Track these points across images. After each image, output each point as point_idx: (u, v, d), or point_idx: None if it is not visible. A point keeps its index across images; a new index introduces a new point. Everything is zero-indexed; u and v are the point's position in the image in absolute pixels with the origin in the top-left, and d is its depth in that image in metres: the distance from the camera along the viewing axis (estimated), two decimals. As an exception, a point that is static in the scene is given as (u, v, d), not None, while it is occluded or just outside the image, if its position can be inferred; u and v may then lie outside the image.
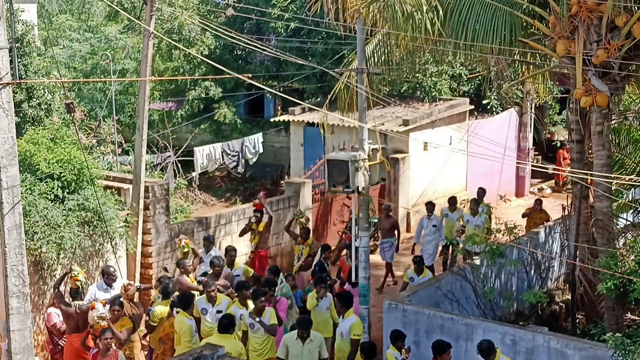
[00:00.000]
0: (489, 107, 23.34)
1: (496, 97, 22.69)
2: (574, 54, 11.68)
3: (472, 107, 23.00)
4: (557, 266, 15.27)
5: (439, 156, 21.39)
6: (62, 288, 12.23)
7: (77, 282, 12.23)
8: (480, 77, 22.38)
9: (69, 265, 12.72)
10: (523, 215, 17.49)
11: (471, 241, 13.66)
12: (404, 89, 22.63)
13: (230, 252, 14.01)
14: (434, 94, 22.69)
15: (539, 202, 17.73)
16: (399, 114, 21.50)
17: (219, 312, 11.65)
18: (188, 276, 13.29)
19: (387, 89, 19.95)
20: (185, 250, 14.18)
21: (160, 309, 11.89)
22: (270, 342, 11.40)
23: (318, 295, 12.41)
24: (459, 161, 22.28)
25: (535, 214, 17.40)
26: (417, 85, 22.71)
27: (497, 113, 23.55)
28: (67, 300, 12.09)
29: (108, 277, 12.73)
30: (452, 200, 17.24)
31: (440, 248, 16.71)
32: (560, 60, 12.19)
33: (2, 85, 8.82)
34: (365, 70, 12.80)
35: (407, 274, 14.00)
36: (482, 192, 17.68)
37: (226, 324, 10.59)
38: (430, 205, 16.89)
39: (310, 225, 17.21)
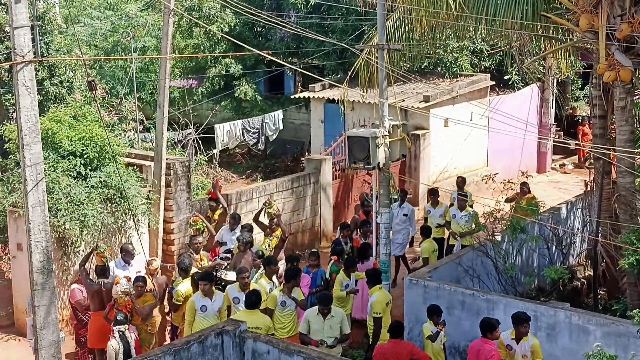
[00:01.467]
0: (510, 82, 23.16)
1: (518, 73, 22.47)
2: (597, 29, 11.55)
3: (494, 83, 22.82)
4: (578, 242, 15.20)
5: (460, 132, 21.28)
6: (87, 266, 12.33)
7: (103, 260, 12.35)
8: (501, 52, 22.19)
9: (95, 243, 12.79)
10: (507, 200, 15.37)
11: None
12: (424, 65, 22.47)
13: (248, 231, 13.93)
14: (454, 69, 22.52)
15: (525, 184, 15.76)
16: (420, 90, 21.39)
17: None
18: (198, 254, 13.09)
19: (408, 65, 19.84)
20: (198, 227, 13.89)
21: (184, 287, 11.92)
22: (296, 318, 11.48)
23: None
24: (480, 137, 22.17)
25: (521, 198, 15.41)
26: (438, 61, 22.55)
27: (519, 89, 23.38)
28: (92, 278, 12.20)
29: (126, 254, 12.76)
30: (434, 194, 16.01)
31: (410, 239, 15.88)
32: (583, 35, 12.06)
33: (24, 63, 8.89)
34: (385, 46, 12.75)
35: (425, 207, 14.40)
36: (462, 181, 16.56)
37: (254, 301, 10.65)
38: (402, 193, 16.13)
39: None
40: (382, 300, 11.46)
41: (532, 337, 9.96)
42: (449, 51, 22.25)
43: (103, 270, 12.15)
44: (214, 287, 11.45)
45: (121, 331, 10.76)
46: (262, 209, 14.74)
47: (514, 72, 22.60)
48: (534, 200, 15.15)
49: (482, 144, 22.69)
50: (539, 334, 10.51)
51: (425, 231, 14.86)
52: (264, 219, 14.60)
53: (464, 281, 12.56)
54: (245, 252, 12.96)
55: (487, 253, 12.75)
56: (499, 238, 13.06)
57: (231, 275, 12.25)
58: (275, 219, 14.03)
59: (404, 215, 15.67)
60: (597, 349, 7.80)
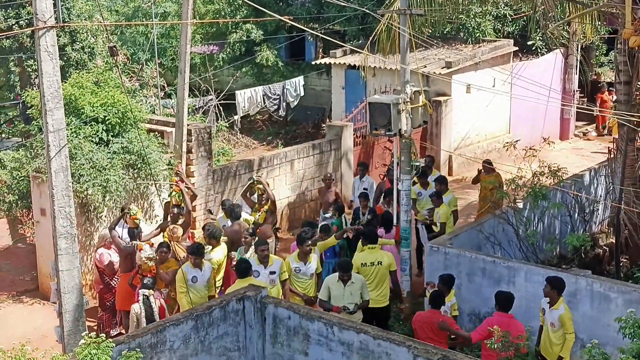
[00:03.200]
0: (533, 48, 22.88)
1: (541, 38, 22.22)
2: (624, -7, 11.35)
3: (517, 48, 22.57)
4: (601, 209, 15.11)
5: (482, 99, 21.12)
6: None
7: (135, 221, 12.43)
8: (525, 17, 21.91)
9: (127, 205, 12.85)
10: (473, 181, 15.26)
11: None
12: (446, 30, 22.25)
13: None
14: (477, 35, 22.27)
15: (487, 162, 15.24)
16: (442, 56, 21.21)
17: (272, 273, 11.17)
18: (174, 224, 12.66)
19: (430, 31, 19.64)
20: (176, 195, 13.23)
21: (218, 255, 11.95)
22: (312, 285, 11.52)
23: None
24: (502, 104, 21.99)
25: (484, 177, 15.16)
26: (460, 27, 22.30)
27: (542, 54, 23.10)
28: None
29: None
30: (423, 176, 14.81)
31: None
32: (609, -1, 11.87)
33: (46, 29, 8.88)
34: (407, 11, 12.61)
35: (414, 190, 13.92)
36: (431, 161, 15.96)
37: (244, 268, 10.66)
38: (362, 167, 15.74)
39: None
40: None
41: (562, 307, 9.65)
42: (472, 16, 21.98)
43: (136, 232, 12.24)
44: (203, 259, 11.38)
45: (145, 295, 10.85)
46: (250, 183, 14.36)
47: (537, 38, 22.33)
48: (498, 179, 14.84)
49: (505, 110, 22.52)
50: (560, 301, 10.50)
51: (438, 195, 14.22)
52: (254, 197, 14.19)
53: (485, 248, 12.54)
54: (235, 224, 12.88)
55: (509, 220, 12.70)
56: (520, 205, 13.00)
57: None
58: (264, 194, 13.76)
59: (364, 189, 15.28)
60: (631, 315, 7.60)
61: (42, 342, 11.54)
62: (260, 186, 13.91)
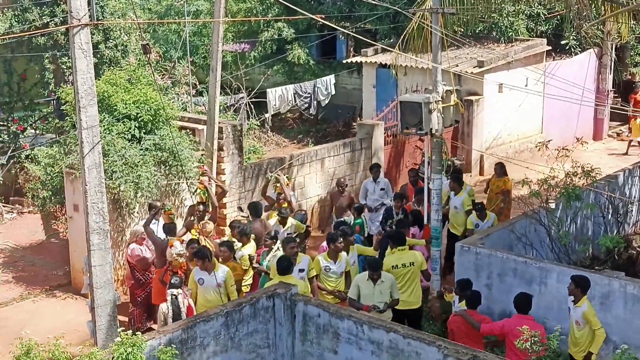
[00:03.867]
0: (567, 47, 22.65)
1: (575, 38, 21.99)
2: (660, -9, 11.20)
3: (550, 48, 22.37)
4: (635, 211, 14.93)
5: (515, 98, 20.96)
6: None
7: (170, 217, 12.49)
8: (559, 16, 21.73)
9: (160, 202, 12.91)
10: (485, 191, 15.19)
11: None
12: (479, 29, 22.10)
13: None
14: (510, 34, 22.09)
15: (500, 165, 15.15)
16: (474, 55, 21.07)
17: (301, 270, 11.14)
18: (200, 222, 12.77)
19: (462, 30, 19.53)
20: (201, 193, 13.36)
21: (248, 251, 11.96)
22: (342, 283, 11.51)
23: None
24: (534, 104, 21.81)
25: (495, 180, 15.02)
26: (493, 26, 22.14)
27: (576, 54, 22.86)
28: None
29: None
30: (457, 180, 14.45)
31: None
32: (645, -2, 11.71)
33: (80, 27, 8.96)
34: (440, 10, 12.56)
35: (471, 220, 13.72)
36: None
37: (285, 265, 10.66)
38: (375, 168, 15.51)
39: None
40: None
41: (585, 304, 9.64)
42: (505, 15, 21.81)
43: (171, 228, 12.31)
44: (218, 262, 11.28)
45: (174, 295, 10.89)
46: (268, 181, 14.32)
47: (571, 37, 22.11)
48: (506, 185, 14.79)
49: (537, 110, 22.33)
50: (593, 302, 10.37)
51: (459, 182, 14.13)
52: (272, 193, 14.12)
53: (517, 248, 12.45)
54: (257, 221, 12.90)
55: (541, 220, 12.60)
56: (553, 205, 12.88)
57: None
58: (283, 194, 13.65)
59: (381, 189, 15.19)
60: None
61: (74, 336, 11.68)
62: (279, 184, 13.90)
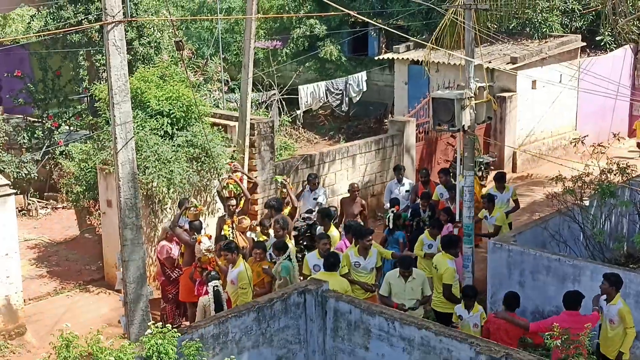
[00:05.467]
0: (602, 44, 22.38)
1: (610, 34, 21.71)
2: (698, -14, 11.01)
3: (585, 44, 22.12)
4: (671, 209, 14.70)
5: (548, 95, 20.76)
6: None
7: (196, 215, 12.57)
8: (594, 12, 21.46)
9: (187, 200, 13.01)
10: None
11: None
12: (512, 25, 21.91)
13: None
14: (544, 30, 21.88)
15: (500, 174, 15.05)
16: (507, 51, 20.91)
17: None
18: (231, 217, 12.83)
19: (495, 26, 19.37)
20: (231, 189, 13.35)
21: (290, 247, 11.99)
22: (372, 279, 11.49)
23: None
24: (569, 100, 21.59)
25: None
26: (527, 22, 21.95)
27: (611, 50, 22.57)
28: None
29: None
30: (501, 179, 14.74)
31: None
32: (683, -7, 11.52)
33: (114, 24, 9.03)
34: (473, 6, 12.46)
35: (482, 212, 13.76)
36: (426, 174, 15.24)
37: (332, 262, 10.70)
38: (399, 170, 15.29)
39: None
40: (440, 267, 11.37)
41: (620, 302, 9.54)
42: (539, 11, 21.60)
43: (197, 226, 12.37)
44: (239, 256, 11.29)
45: (216, 286, 10.93)
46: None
47: (606, 33, 21.82)
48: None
49: (571, 106, 22.11)
50: (627, 300, 10.24)
51: (490, 197, 14.04)
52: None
53: (550, 246, 12.34)
54: (278, 215, 12.80)
55: (575, 218, 12.46)
56: (587, 203, 12.74)
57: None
58: (287, 198, 13.58)
59: (407, 192, 15.04)
60: None
61: (108, 330, 11.76)
62: (285, 190, 13.84)
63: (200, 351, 7.16)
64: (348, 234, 12.16)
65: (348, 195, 14.66)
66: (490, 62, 19.69)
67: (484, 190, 15.72)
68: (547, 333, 8.66)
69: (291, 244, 12.23)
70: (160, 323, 7.47)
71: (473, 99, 12.25)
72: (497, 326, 9.84)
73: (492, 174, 15.90)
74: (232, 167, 14.01)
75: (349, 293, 10.56)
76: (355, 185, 14.72)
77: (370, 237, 11.52)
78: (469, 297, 10.47)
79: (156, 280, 13.52)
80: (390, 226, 13.17)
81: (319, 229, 12.84)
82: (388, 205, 14.57)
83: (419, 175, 15.29)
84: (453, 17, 14.01)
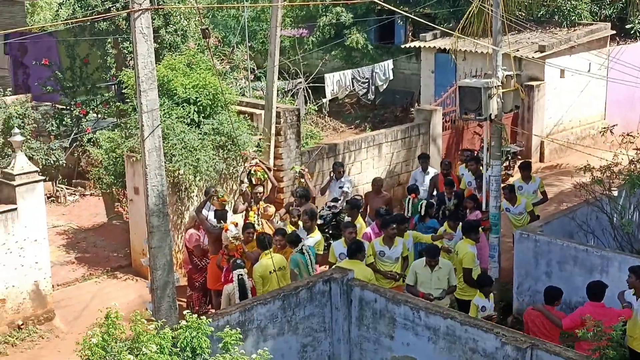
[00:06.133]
0: (632, 32, 22.09)
1: (641, 22, 21.46)
2: None
3: (614, 32, 21.84)
4: (701, 199, 14.51)
5: (577, 84, 20.55)
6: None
7: (222, 203, 12.60)
8: (624, 0, 21.20)
9: (213, 189, 13.06)
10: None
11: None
12: (540, 13, 21.70)
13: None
14: (573, 18, 21.63)
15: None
16: (535, 39, 20.71)
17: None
18: (258, 204, 12.92)
19: (523, 14, 19.19)
20: (259, 176, 13.50)
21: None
22: (398, 269, 11.47)
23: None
24: (597, 89, 21.36)
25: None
26: (555, 10, 21.72)
27: (641, 38, 22.32)
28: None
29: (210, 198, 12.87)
30: (526, 168, 14.47)
31: None
32: None
33: (141, 11, 9.05)
34: (501, -7, 12.35)
35: (514, 184, 13.68)
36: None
37: (354, 249, 10.68)
38: (424, 159, 15.20)
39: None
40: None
41: None
42: (568, -1, 21.41)
43: (223, 214, 12.41)
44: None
45: (241, 275, 10.98)
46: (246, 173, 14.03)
47: (636, 21, 21.55)
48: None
49: (600, 95, 21.87)
50: (657, 293, 10.15)
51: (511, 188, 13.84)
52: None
53: (577, 236, 12.24)
54: (305, 205, 12.88)
55: (603, 208, 12.35)
56: (615, 193, 12.62)
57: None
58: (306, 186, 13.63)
59: (431, 180, 14.90)
60: None
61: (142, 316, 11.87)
62: (303, 180, 13.80)
63: (240, 341, 7.19)
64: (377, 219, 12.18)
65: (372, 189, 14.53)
66: (518, 51, 19.51)
67: (510, 180, 15.62)
68: (580, 326, 8.61)
69: (319, 235, 12.21)
70: (188, 311, 7.50)
71: (500, 87, 12.17)
72: (534, 319, 9.79)
73: (519, 163, 15.78)
74: (244, 155, 13.98)
75: (372, 282, 10.57)
76: (379, 179, 14.60)
77: (395, 226, 11.49)
78: (488, 285, 10.44)
79: (182, 268, 13.60)
80: (422, 213, 13.09)
81: (346, 219, 12.84)
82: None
83: (441, 166, 15.18)
84: (481, 4, 13.89)
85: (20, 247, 12.24)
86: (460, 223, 12.12)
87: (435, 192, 14.58)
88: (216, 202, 12.69)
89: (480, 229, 11.95)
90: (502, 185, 13.26)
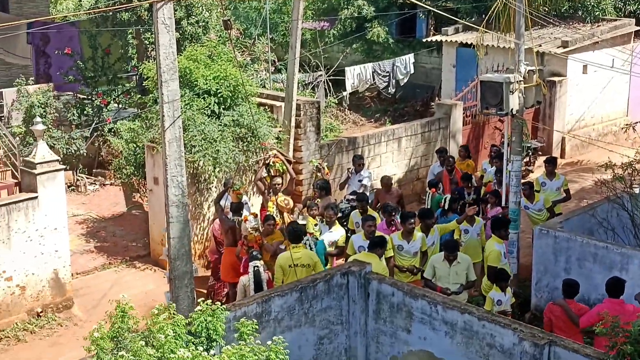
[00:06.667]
0: (657, 28, 21.90)
1: (666, 18, 21.25)
2: None
3: (639, 28, 21.64)
4: None
5: (600, 80, 20.38)
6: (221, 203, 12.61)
7: (238, 197, 12.60)
8: (649, -5, 21.02)
9: (231, 180, 13.05)
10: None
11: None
12: (564, 8, 21.54)
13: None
14: (597, 13, 21.47)
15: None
16: (558, 34, 20.56)
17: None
18: (276, 195, 12.87)
19: (547, 9, 19.06)
20: (277, 167, 13.46)
21: (337, 237, 12.02)
22: (416, 263, 11.44)
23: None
24: (620, 85, 21.18)
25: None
26: (579, 5, 21.56)
27: (666, 35, 22.09)
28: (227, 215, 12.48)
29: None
30: (551, 163, 14.35)
31: None
32: None
33: (164, 2, 9.08)
34: (525, -13, 12.27)
35: (538, 179, 13.65)
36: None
37: (375, 243, 10.66)
38: (441, 153, 15.13)
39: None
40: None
41: None
42: (592, -6, 21.23)
43: (239, 207, 12.43)
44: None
45: (256, 266, 10.99)
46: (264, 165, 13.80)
47: (661, 17, 21.36)
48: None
49: (623, 92, 21.69)
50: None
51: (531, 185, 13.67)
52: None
53: (597, 233, 12.15)
54: (325, 198, 12.85)
55: (624, 205, 12.25)
56: (637, 190, 12.51)
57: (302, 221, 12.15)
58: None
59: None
60: None
61: (154, 306, 11.93)
62: (319, 174, 13.74)
63: (256, 332, 7.19)
64: (384, 213, 12.10)
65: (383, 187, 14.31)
66: (540, 46, 19.39)
67: (531, 176, 15.52)
68: (597, 323, 8.54)
69: (342, 229, 12.17)
70: (204, 299, 7.51)
71: (522, 82, 12.10)
72: (558, 315, 9.73)
73: (540, 159, 15.69)
74: (265, 147, 13.93)
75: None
76: (387, 177, 14.40)
77: (412, 221, 11.46)
78: (504, 280, 10.39)
79: (201, 258, 13.63)
80: (446, 207, 13.03)
81: (355, 213, 12.75)
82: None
83: (445, 163, 14.89)
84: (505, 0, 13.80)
85: (41, 235, 12.33)
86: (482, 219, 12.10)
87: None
88: (232, 194, 12.70)
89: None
90: (522, 181, 13.20)
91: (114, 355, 6.49)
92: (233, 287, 12.00)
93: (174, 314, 7.03)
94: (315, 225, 12.14)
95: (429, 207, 13.40)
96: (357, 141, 16.43)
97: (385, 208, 12.13)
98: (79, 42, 19.50)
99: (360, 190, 14.16)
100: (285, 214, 12.44)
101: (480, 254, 11.96)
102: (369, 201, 13.19)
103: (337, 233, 12.00)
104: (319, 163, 14.14)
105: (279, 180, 13.27)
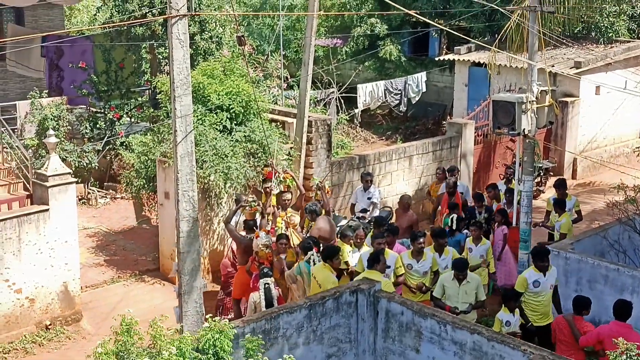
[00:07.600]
0: (670, 50, 21.85)
1: (679, 40, 21.21)
2: None
3: (652, 49, 21.63)
4: None
5: (612, 101, 20.34)
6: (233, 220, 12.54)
7: (253, 213, 12.56)
8: (663, 17, 21.01)
9: (243, 197, 13.02)
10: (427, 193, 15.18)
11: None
12: (577, 29, 21.55)
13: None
14: (610, 35, 21.47)
15: (441, 170, 15.37)
16: (571, 55, 20.55)
17: (387, 267, 10.94)
18: (285, 210, 12.78)
19: (560, 29, 19.05)
20: (287, 183, 13.46)
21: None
22: (427, 283, 11.40)
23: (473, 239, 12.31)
24: (634, 107, 21.12)
25: (437, 185, 15.14)
26: (593, 26, 21.56)
27: (680, 57, 22.02)
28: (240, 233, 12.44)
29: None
30: (561, 186, 14.08)
31: None
32: None
33: (178, 17, 9.13)
34: (538, 8, 12.28)
35: (549, 200, 13.69)
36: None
37: (371, 259, 10.57)
38: (451, 171, 14.89)
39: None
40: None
41: None
42: (605, 15, 21.22)
43: (253, 224, 12.38)
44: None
45: (267, 284, 10.94)
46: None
47: (675, 40, 21.32)
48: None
49: (636, 114, 21.64)
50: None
51: (561, 204, 13.55)
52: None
53: (609, 255, 12.08)
54: (319, 219, 12.58)
55: (636, 228, 12.19)
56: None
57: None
58: (322, 202, 13.07)
59: (460, 193, 14.47)
60: None
61: (161, 320, 11.90)
62: (319, 193, 13.69)
63: (262, 348, 7.16)
64: (412, 241, 11.86)
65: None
66: (553, 66, 19.38)
67: (542, 197, 15.44)
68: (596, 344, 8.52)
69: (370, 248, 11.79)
70: (211, 315, 7.49)
71: (534, 102, 12.08)
72: (561, 327, 9.77)
73: (552, 180, 15.62)
74: (270, 165, 13.85)
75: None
76: (407, 196, 14.17)
77: (422, 240, 11.43)
78: (513, 300, 10.30)
79: (210, 273, 13.60)
80: (454, 227, 12.98)
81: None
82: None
83: (446, 186, 14.50)
84: (518, 19, 13.82)
85: (51, 247, 12.36)
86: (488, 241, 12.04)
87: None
88: (247, 211, 12.67)
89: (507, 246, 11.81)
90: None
91: (118, 371, 6.49)
92: (236, 303, 11.97)
93: (181, 329, 7.02)
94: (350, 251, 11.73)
95: (453, 227, 13.19)
96: (368, 158, 16.42)
97: (414, 235, 11.84)
98: (93, 55, 19.64)
99: (370, 208, 14.12)
100: (290, 229, 12.38)
101: (481, 274, 11.91)
102: (384, 225, 12.48)
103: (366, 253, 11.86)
104: (320, 181, 14.12)
105: (288, 196, 13.25)
